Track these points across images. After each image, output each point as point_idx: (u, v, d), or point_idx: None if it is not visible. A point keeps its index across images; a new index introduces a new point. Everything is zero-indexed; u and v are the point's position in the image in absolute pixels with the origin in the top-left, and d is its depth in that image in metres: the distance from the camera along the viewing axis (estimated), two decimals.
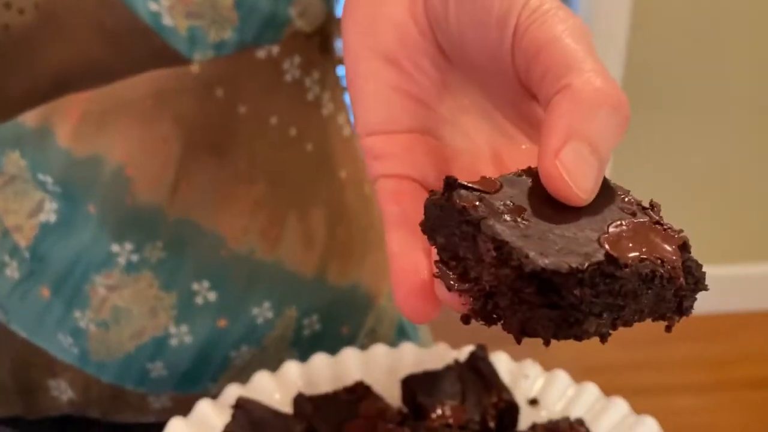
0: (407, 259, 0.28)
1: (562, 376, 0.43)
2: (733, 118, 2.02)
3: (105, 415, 0.50)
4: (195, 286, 0.46)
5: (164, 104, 0.41)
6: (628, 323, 0.24)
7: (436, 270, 0.26)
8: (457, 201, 0.24)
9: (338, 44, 0.50)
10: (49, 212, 0.44)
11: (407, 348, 0.45)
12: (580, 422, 0.38)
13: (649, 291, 0.23)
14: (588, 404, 0.41)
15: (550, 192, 0.24)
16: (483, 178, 0.25)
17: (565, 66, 0.25)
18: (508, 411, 0.39)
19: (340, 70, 0.47)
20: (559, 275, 0.22)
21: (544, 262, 0.22)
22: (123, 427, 0.51)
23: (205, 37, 0.40)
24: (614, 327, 0.24)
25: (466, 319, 0.26)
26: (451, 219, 0.25)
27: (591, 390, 0.41)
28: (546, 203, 0.24)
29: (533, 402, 0.42)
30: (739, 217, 2.11)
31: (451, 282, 0.25)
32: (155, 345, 0.47)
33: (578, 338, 0.23)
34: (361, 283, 0.53)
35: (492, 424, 0.39)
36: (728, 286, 2.05)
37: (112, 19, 0.38)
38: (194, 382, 0.49)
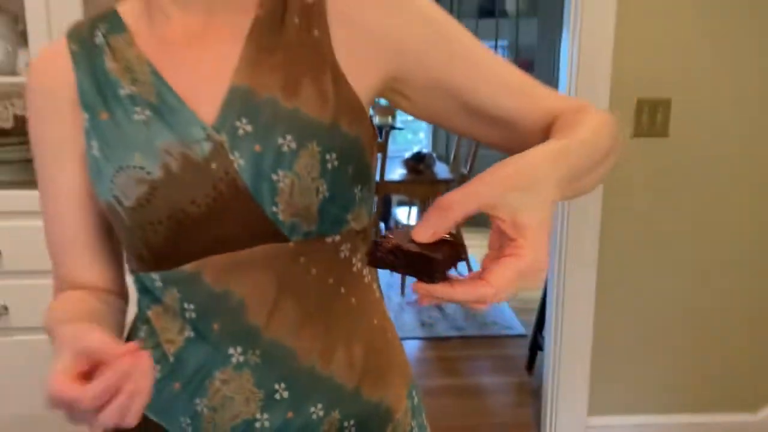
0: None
1: None
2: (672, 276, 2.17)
3: None
4: (276, 386, 0.69)
5: (270, 264, 0.67)
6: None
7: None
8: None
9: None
10: (190, 331, 0.68)
11: None
12: None
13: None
14: None
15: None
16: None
17: None
18: None
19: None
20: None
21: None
22: None
23: (300, 228, 0.67)
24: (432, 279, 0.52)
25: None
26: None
27: None
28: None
29: None
30: (675, 370, 2.20)
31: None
32: (245, 426, 0.69)
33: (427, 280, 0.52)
34: (385, 400, 0.75)
35: None
36: None
37: (251, 216, 0.65)
38: None
